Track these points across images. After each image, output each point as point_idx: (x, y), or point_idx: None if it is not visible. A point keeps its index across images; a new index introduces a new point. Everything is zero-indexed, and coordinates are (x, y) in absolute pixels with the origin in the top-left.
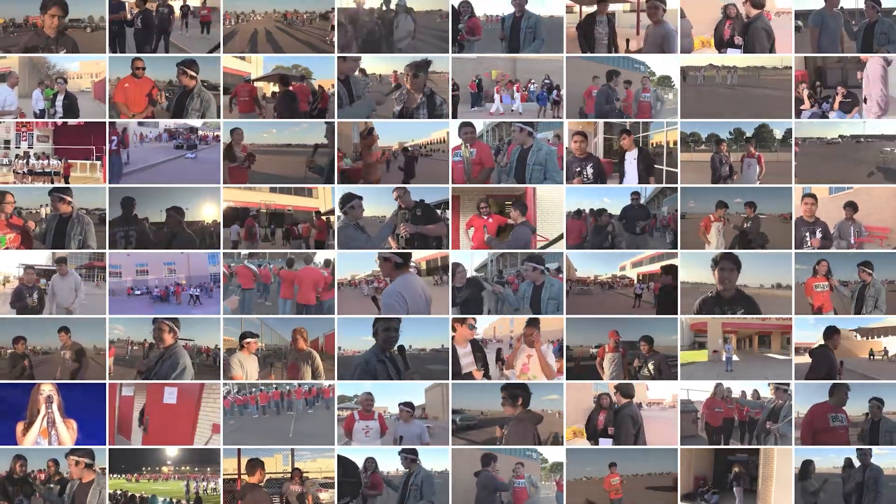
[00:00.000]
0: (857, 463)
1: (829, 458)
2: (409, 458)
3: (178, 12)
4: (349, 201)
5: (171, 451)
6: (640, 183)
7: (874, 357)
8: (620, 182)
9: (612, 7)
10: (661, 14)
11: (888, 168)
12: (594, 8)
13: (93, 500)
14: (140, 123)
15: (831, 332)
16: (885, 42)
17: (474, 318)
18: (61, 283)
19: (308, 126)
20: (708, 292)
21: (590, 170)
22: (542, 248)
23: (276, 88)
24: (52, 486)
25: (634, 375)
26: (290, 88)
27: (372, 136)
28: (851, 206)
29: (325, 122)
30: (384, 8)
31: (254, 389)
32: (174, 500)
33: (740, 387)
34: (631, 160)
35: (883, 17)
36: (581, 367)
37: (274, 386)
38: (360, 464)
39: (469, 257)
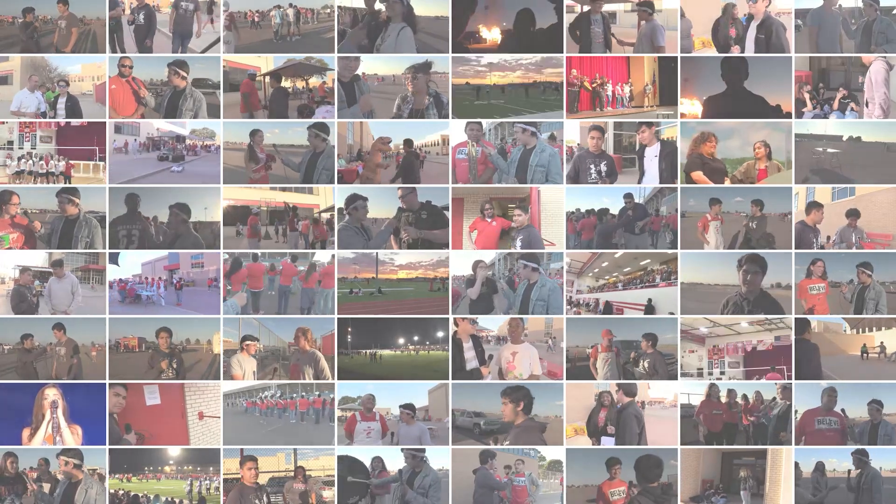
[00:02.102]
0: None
1: (830, 463)
2: (417, 456)
3: (200, 11)
4: (353, 202)
5: (174, 451)
6: (661, 182)
7: (867, 355)
8: (640, 181)
9: (612, 7)
10: (648, 16)
11: (822, 169)
12: (588, 7)
13: (79, 499)
14: (117, 129)
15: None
16: (884, 41)
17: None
18: (57, 286)
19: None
20: (734, 293)
21: (603, 167)
22: None
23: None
24: (42, 484)
25: (631, 373)
26: (281, 84)
27: (387, 144)
28: (854, 214)
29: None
30: (366, 9)
31: (294, 395)
32: (176, 500)
33: (739, 388)
34: (651, 157)
35: (881, 16)
36: (577, 367)
37: (317, 393)
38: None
39: (465, 258)
